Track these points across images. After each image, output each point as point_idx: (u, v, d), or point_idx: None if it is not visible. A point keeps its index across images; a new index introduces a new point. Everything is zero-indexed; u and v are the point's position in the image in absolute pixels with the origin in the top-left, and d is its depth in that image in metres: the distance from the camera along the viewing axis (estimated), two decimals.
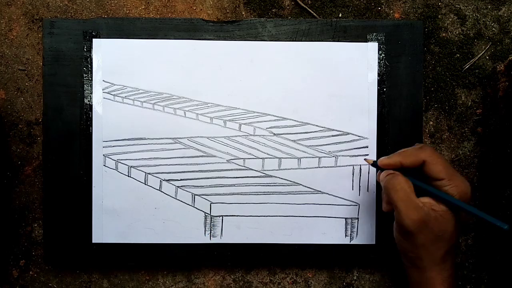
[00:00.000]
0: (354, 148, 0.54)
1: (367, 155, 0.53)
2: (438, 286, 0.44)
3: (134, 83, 0.53)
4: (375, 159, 0.52)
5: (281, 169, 0.53)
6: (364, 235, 0.54)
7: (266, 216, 0.53)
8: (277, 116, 0.54)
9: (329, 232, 0.54)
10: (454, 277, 0.45)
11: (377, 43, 0.53)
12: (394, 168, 0.46)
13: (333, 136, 0.54)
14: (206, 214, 0.53)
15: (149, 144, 0.53)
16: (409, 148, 0.47)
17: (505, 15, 0.55)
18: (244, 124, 0.53)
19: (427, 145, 0.46)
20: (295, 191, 0.53)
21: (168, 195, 0.53)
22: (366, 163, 0.52)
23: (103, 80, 0.53)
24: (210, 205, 0.53)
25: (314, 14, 0.55)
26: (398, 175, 0.45)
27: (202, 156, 0.53)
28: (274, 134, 0.54)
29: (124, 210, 0.53)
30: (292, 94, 0.53)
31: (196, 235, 0.53)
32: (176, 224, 0.53)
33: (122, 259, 0.53)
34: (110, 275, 0.55)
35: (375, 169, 0.53)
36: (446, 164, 0.45)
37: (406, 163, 0.46)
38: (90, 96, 0.53)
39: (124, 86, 0.53)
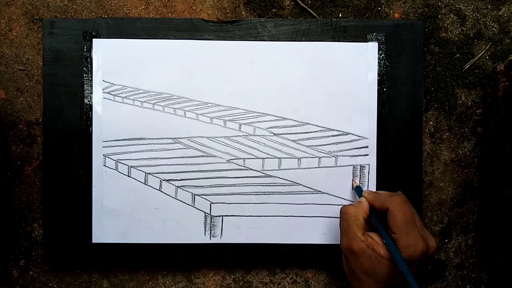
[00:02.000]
0: (354, 148, 0.54)
1: (367, 155, 0.53)
2: None
3: (134, 83, 0.53)
4: (361, 184, 0.53)
5: (281, 169, 0.53)
6: None
7: (266, 216, 0.53)
8: (277, 116, 0.54)
9: (329, 232, 0.54)
10: None
11: (377, 43, 0.53)
12: (371, 204, 0.48)
13: (333, 136, 0.54)
14: (206, 214, 0.53)
15: (149, 144, 0.53)
16: (385, 192, 0.49)
17: (505, 15, 0.55)
18: (244, 124, 0.53)
19: (401, 195, 0.47)
20: (295, 191, 0.53)
21: (168, 195, 0.53)
22: (367, 163, 0.52)
23: (103, 80, 0.53)
24: (210, 205, 0.53)
25: (314, 14, 0.55)
26: (352, 205, 0.48)
27: (202, 156, 0.53)
28: (274, 134, 0.54)
29: (124, 210, 0.53)
30: (292, 94, 0.53)
31: (196, 235, 0.53)
32: (176, 224, 0.53)
33: (122, 259, 0.53)
34: (110, 275, 0.55)
35: (375, 169, 0.53)
36: (405, 220, 0.45)
37: (375, 204, 0.48)
38: (90, 96, 0.53)
39: (124, 86, 0.53)
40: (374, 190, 0.53)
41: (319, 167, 0.54)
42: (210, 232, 0.53)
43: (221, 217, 0.53)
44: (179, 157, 0.53)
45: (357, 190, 0.52)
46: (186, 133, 0.53)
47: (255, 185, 0.53)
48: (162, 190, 0.53)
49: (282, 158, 0.53)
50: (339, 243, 0.54)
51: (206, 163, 0.53)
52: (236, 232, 0.53)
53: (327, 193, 0.53)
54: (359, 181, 0.53)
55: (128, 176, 0.53)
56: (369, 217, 0.48)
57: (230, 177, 0.53)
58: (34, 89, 0.54)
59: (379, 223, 0.47)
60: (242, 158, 0.53)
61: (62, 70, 0.53)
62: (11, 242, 0.54)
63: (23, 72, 0.54)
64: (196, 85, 0.53)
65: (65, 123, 0.53)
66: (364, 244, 0.45)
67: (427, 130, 0.55)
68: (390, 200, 0.46)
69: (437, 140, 0.55)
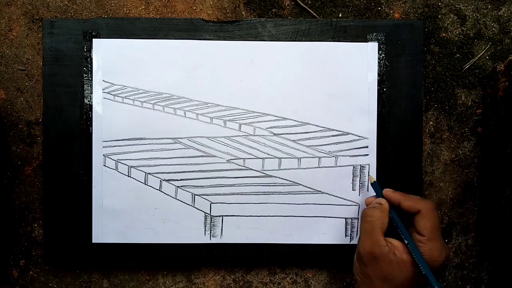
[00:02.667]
0: (354, 148, 0.54)
1: (367, 155, 0.53)
2: None
3: (134, 83, 0.53)
4: (375, 181, 0.53)
5: (281, 169, 0.53)
6: None
7: (266, 216, 0.53)
8: (277, 116, 0.54)
9: (329, 232, 0.54)
10: None
11: (377, 43, 0.53)
12: (392, 203, 0.48)
13: (333, 136, 0.54)
14: (206, 214, 0.53)
15: (149, 144, 0.53)
16: (414, 195, 0.49)
17: (505, 15, 0.55)
18: (244, 124, 0.53)
19: (432, 201, 0.48)
20: (295, 191, 0.53)
21: (168, 195, 0.53)
22: (367, 163, 0.52)
23: (103, 80, 0.53)
24: (210, 205, 0.53)
25: (314, 14, 0.55)
26: (376, 209, 0.47)
27: (202, 156, 0.53)
28: (274, 134, 0.54)
29: (124, 210, 0.53)
30: (292, 94, 0.53)
31: (196, 235, 0.53)
32: (176, 224, 0.53)
33: (122, 259, 0.53)
34: (110, 275, 0.55)
35: (375, 169, 0.53)
36: (436, 225, 0.45)
37: (404, 205, 0.47)
38: (90, 96, 0.53)
39: (124, 86, 0.53)
40: (374, 193, 0.53)
41: (319, 167, 0.54)
42: (210, 232, 0.53)
43: (221, 217, 0.53)
44: (179, 157, 0.53)
45: (375, 187, 0.51)
46: (186, 133, 0.53)
47: (255, 185, 0.53)
48: (162, 190, 0.53)
49: (282, 158, 0.53)
50: (339, 243, 0.54)
51: (206, 163, 0.53)
52: (236, 232, 0.53)
53: (327, 193, 0.53)
54: (359, 181, 0.53)
55: (128, 176, 0.53)
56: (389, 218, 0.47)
57: (230, 177, 0.53)
58: (34, 89, 0.54)
59: (402, 225, 0.46)
60: (242, 158, 0.53)
61: (62, 70, 0.53)
62: (11, 242, 0.54)
63: (23, 72, 0.54)
64: (196, 85, 0.53)
65: (65, 123, 0.53)
66: (386, 249, 0.45)
67: (427, 130, 0.55)
68: (423, 203, 0.46)
69: (437, 140, 0.55)
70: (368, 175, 0.53)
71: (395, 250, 0.45)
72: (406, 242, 0.45)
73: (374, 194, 0.51)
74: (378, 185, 0.51)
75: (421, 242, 0.45)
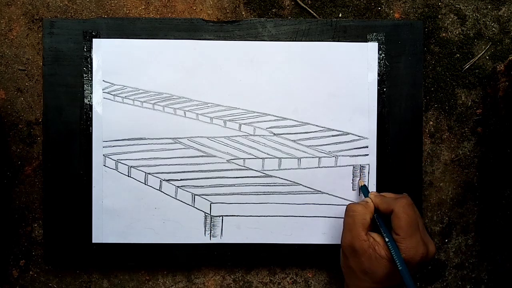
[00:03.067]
0: (354, 148, 0.54)
1: (367, 155, 0.53)
2: None
3: (134, 83, 0.53)
4: (366, 184, 0.53)
5: (281, 169, 0.53)
6: None
7: (266, 216, 0.53)
8: (277, 116, 0.54)
9: (329, 232, 0.54)
10: None
11: (377, 43, 0.53)
12: (376, 207, 0.49)
13: (333, 136, 0.54)
14: (206, 214, 0.53)
15: (149, 144, 0.53)
16: (391, 194, 0.49)
17: (505, 15, 0.55)
18: (244, 124, 0.53)
19: (407, 198, 0.47)
20: (295, 191, 0.53)
21: (168, 195, 0.53)
22: (367, 163, 0.52)
23: (103, 80, 0.53)
24: (210, 205, 0.53)
25: (314, 14, 0.55)
26: (360, 204, 0.48)
27: (202, 156, 0.53)
28: (274, 134, 0.54)
29: (124, 210, 0.53)
30: (292, 94, 0.53)
31: (196, 235, 0.53)
32: (176, 224, 0.53)
33: (122, 259, 0.53)
34: (110, 275, 0.55)
35: (375, 169, 0.53)
36: (410, 223, 0.45)
37: (380, 207, 0.48)
38: (90, 96, 0.53)
39: (124, 86, 0.53)
40: (374, 190, 0.53)
41: (319, 167, 0.54)
42: (210, 232, 0.53)
43: (221, 217, 0.53)
44: (179, 157, 0.53)
45: (363, 190, 0.52)
46: (186, 133, 0.53)
47: (255, 185, 0.53)
48: (162, 190, 0.53)
49: (282, 158, 0.53)
50: (339, 243, 0.54)
51: (206, 163, 0.53)
52: (236, 232, 0.53)
53: (327, 193, 0.53)
54: (359, 181, 0.53)
55: (128, 176, 0.53)
56: (374, 217, 0.48)
57: (230, 177, 0.53)
58: (34, 89, 0.54)
59: (383, 223, 0.47)
60: (242, 158, 0.53)
61: (62, 70, 0.53)
62: (11, 242, 0.54)
63: (23, 72, 0.54)
64: (196, 85, 0.53)
65: (65, 123, 0.53)
66: (366, 244, 0.45)
67: (427, 130, 0.55)
68: (396, 203, 0.46)
69: (437, 140, 0.55)
70: (359, 179, 0.53)
71: (375, 246, 0.45)
72: (386, 239, 0.45)
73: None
74: (367, 188, 0.52)
75: (397, 241, 0.45)
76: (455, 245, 0.56)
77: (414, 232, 0.45)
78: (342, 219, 0.53)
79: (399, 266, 0.43)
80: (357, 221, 0.47)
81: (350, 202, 0.53)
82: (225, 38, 0.53)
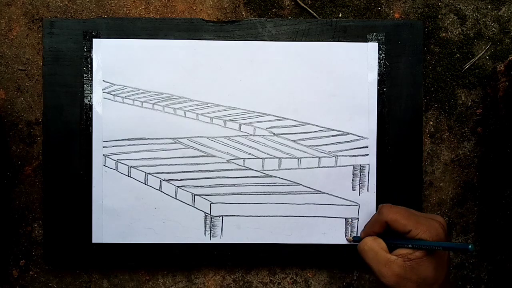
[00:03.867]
0: (354, 148, 0.54)
1: (367, 155, 0.53)
2: None
3: (134, 83, 0.53)
4: (352, 239, 0.54)
5: (281, 169, 0.53)
6: None
7: (266, 216, 0.53)
8: (277, 116, 0.54)
9: (329, 232, 0.54)
10: None
11: (377, 43, 0.53)
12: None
13: (333, 136, 0.54)
14: (206, 214, 0.53)
15: (149, 144, 0.53)
16: (373, 216, 0.49)
17: (505, 15, 0.55)
18: (244, 124, 0.53)
19: (385, 205, 0.47)
20: (295, 191, 0.53)
21: (168, 195, 0.53)
22: (367, 163, 0.52)
23: (103, 80, 0.53)
24: (210, 205, 0.53)
25: (314, 14, 0.55)
26: (367, 239, 0.47)
27: (202, 156, 0.53)
28: (274, 134, 0.54)
29: (124, 210, 0.53)
30: (292, 94, 0.53)
31: (196, 235, 0.53)
32: (176, 224, 0.53)
33: (122, 259, 0.53)
34: (110, 275, 0.55)
35: (375, 169, 0.53)
36: (406, 215, 0.45)
37: (376, 231, 0.48)
38: (90, 96, 0.53)
39: (124, 86, 0.53)
40: (374, 189, 0.53)
41: (319, 167, 0.54)
42: (210, 232, 0.53)
43: (221, 217, 0.53)
44: (179, 157, 0.53)
45: (356, 239, 0.52)
46: (186, 133, 0.53)
47: (255, 185, 0.53)
48: (162, 190, 0.53)
49: (282, 158, 0.53)
50: (339, 243, 0.54)
51: (206, 163, 0.53)
52: (236, 232, 0.53)
53: (327, 193, 0.53)
54: (359, 181, 0.53)
55: (128, 176, 0.53)
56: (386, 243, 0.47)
57: (230, 177, 0.53)
58: (34, 89, 0.54)
59: (395, 238, 0.46)
60: (242, 158, 0.53)
61: (62, 70, 0.53)
62: (11, 242, 0.54)
63: (23, 72, 0.54)
64: (196, 85, 0.53)
65: (65, 123, 0.53)
66: (400, 262, 0.44)
67: (427, 130, 0.55)
68: (381, 215, 0.46)
69: (437, 140, 0.55)
70: (346, 237, 0.54)
71: (407, 256, 0.44)
72: (409, 245, 0.44)
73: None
74: (358, 237, 0.53)
75: (414, 235, 0.44)
76: None
77: (415, 217, 0.45)
78: (343, 219, 0.54)
79: (437, 247, 0.42)
80: (379, 247, 0.46)
81: (351, 203, 0.53)
82: (225, 38, 0.53)
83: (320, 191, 0.53)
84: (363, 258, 0.47)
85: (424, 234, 0.44)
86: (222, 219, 0.53)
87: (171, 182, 0.53)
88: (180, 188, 0.53)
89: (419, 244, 0.44)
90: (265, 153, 0.54)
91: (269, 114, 0.54)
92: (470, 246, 0.40)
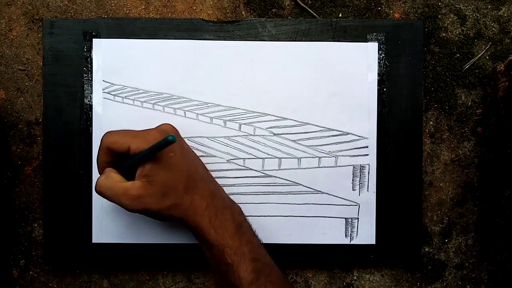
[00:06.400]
0: (354, 148, 0.54)
1: (367, 155, 0.53)
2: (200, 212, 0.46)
3: (134, 83, 0.53)
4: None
5: (281, 169, 0.53)
6: (364, 235, 0.54)
7: (266, 216, 0.53)
8: (277, 116, 0.54)
9: (329, 232, 0.54)
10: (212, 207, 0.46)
11: (377, 43, 0.53)
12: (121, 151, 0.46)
13: (333, 136, 0.54)
14: None
15: None
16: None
17: (505, 15, 0.55)
18: (244, 124, 0.53)
19: (106, 132, 0.46)
20: (295, 191, 0.53)
21: None
22: (367, 163, 0.52)
23: (103, 80, 0.53)
24: None
25: (314, 14, 0.55)
26: (97, 180, 0.45)
27: (202, 156, 0.53)
28: (274, 134, 0.54)
29: (124, 210, 0.53)
30: (292, 94, 0.53)
31: None
32: (176, 224, 0.53)
33: (122, 259, 0.53)
34: (110, 275, 0.55)
35: (375, 169, 0.53)
36: (123, 134, 0.45)
37: (105, 160, 0.46)
38: (90, 96, 0.53)
39: (124, 86, 0.53)
40: (374, 189, 0.53)
41: (319, 167, 0.54)
42: None
43: None
44: None
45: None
46: (186, 133, 0.53)
47: (255, 185, 0.53)
48: None
49: (282, 158, 0.53)
50: (339, 243, 0.54)
51: (206, 163, 0.53)
52: None
53: (327, 193, 0.53)
54: (359, 181, 0.53)
55: None
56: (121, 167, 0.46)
57: (230, 177, 0.53)
58: (34, 89, 0.54)
59: (120, 157, 0.46)
60: (242, 158, 0.53)
61: (62, 70, 0.53)
62: (11, 242, 0.54)
63: (23, 72, 0.54)
64: (196, 85, 0.53)
65: (65, 123, 0.53)
66: (138, 182, 0.44)
67: (427, 130, 0.55)
68: (102, 143, 0.45)
69: (437, 140, 0.55)
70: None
71: (140, 175, 0.44)
72: (128, 162, 0.45)
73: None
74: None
75: (134, 151, 0.44)
76: (455, 245, 0.56)
77: (134, 134, 0.45)
78: (343, 219, 0.54)
79: (148, 152, 0.43)
80: (113, 185, 0.44)
81: (351, 203, 0.53)
82: (225, 38, 0.53)
83: (320, 191, 0.53)
84: (106, 199, 0.45)
85: (143, 144, 0.44)
86: None
87: None
88: None
89: (138, 158, 0.44)
90: (265, 153, 0.54)
91: (269, 114, 0.54)
92: (170, 137, 0.41)
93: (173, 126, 0.49)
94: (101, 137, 0.46)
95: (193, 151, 0.51)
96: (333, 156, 0.53)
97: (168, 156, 0.45)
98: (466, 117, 0.55)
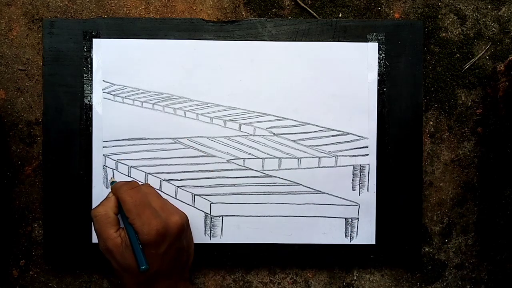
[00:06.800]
0: (354, 148, 0.54)
1: (367, 155, 0.53)
2: None
3: (134, 83, 0.53)
4: (114, 180, 0.53)
5: (281, 169, 0.53)
6: (364, 235, 0.54)
7: (266, 216, 0.53)
8: (277, 116, 0.54)
9: (329, 232, 0.54)
10: None
11: (377, 43, 0.53)
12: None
13: (333, 136, 0.54)
14: (206, 214, 0.53)
15: (149, 144, 0.53)
16: (119, 182, 0.50)
17: (505, 15, 0.55)
18: (244, 124, 0.53)
19: (128, 183, 0.49)
20: (295, 191, 0.53)
21: (168, 195, 0.53)
22: (367, 163, 0.52)
23: (103, 80, 0.53)
24: (210, 205, 0.53)
25: (314, 14, 0.55)
26: (100, 205, 0.48)
27: (202, 156, 0.53)
28: (274, 134, 0.54)
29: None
30: (292, 94, 0.53)
31: (196, 235, 0.53)
32: None
33: None
34: (110, 275, 0.54)
35: (375, 169, 0.53)
36: (135, 202, 0.46)
37: (112, 200, 0.48)
38: (90, 96, 0.53)
39: (124, 86, 0.53)
40: (374, 189, 0.53)
41: (319, 167, 0.54)
42: (210, 232, 0.53)
43: (221, 217, 0.53)
44: (179, 157, 0.53)
45: (112, 183, 0.51)
46: (186, 133, 0.53)
47: (255, 185, 0.53)
48: (162, 190, 0.53)
49: (282, 158, 0.53)
50: (339, 243, 0.54)
51: (206, 163, 0.53)
52: (236, 232, 0.53)
53: (327, 193, 0.53)
54: (359, 181, 0.53)
55: (128, 176, 0.53)
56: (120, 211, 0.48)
57: (230, 177, 0.53)
58: (34, 89, 0.54)
59: (123, 213, 0.47)
60: (242, 158, 0.53)
61: (62, 70, 0.53)
62: (11, 242, 0.54)
63: (23, 72, 0.54)
64: (196, 85, 0.53)
65: (65, 123, 0.53)
66: (118, 240, 0.45)
67: (427, 130, 0.55)
68: (119, 189, 0.47)
69: (437, 140, 0.55)
70: (111, 177, 0.53)
71: (126, 240, 0.46)
72: (117, 229, 0.46)
73: None
74: (114, 182, 0.51)
75: (132, 224, 0.45)
76: (455, 245, 0.56)
77: (143, 210, 0.46)
78: (343, 219, 0.54)
79: (133, 248, 0.44)
80: (102, 223, 0.46)
81: (351, 203, 0.53)
82: (225, 38, 0.53)
83: (320, 191, 0.53)
84: (93, 224, 0.48)
85: (137, 229, 0.45)
86: (222, 219, 0.53)
87: (171, 182, 0.53)
88: (180, 188, 0.53)
89: (126, 233, 0.45)
90: (265, 153, 0.54)
91: (269, 114, 0.54)
92: (143, 267, 0.43)
93: (184, 223, 0.48)
94: (123, 183, 0.48)
95: (187, 247, 0.50)
96: (333, 156, 0.53)
97: (156, 247, 0.46)
98: (466, 117, 0.55)
